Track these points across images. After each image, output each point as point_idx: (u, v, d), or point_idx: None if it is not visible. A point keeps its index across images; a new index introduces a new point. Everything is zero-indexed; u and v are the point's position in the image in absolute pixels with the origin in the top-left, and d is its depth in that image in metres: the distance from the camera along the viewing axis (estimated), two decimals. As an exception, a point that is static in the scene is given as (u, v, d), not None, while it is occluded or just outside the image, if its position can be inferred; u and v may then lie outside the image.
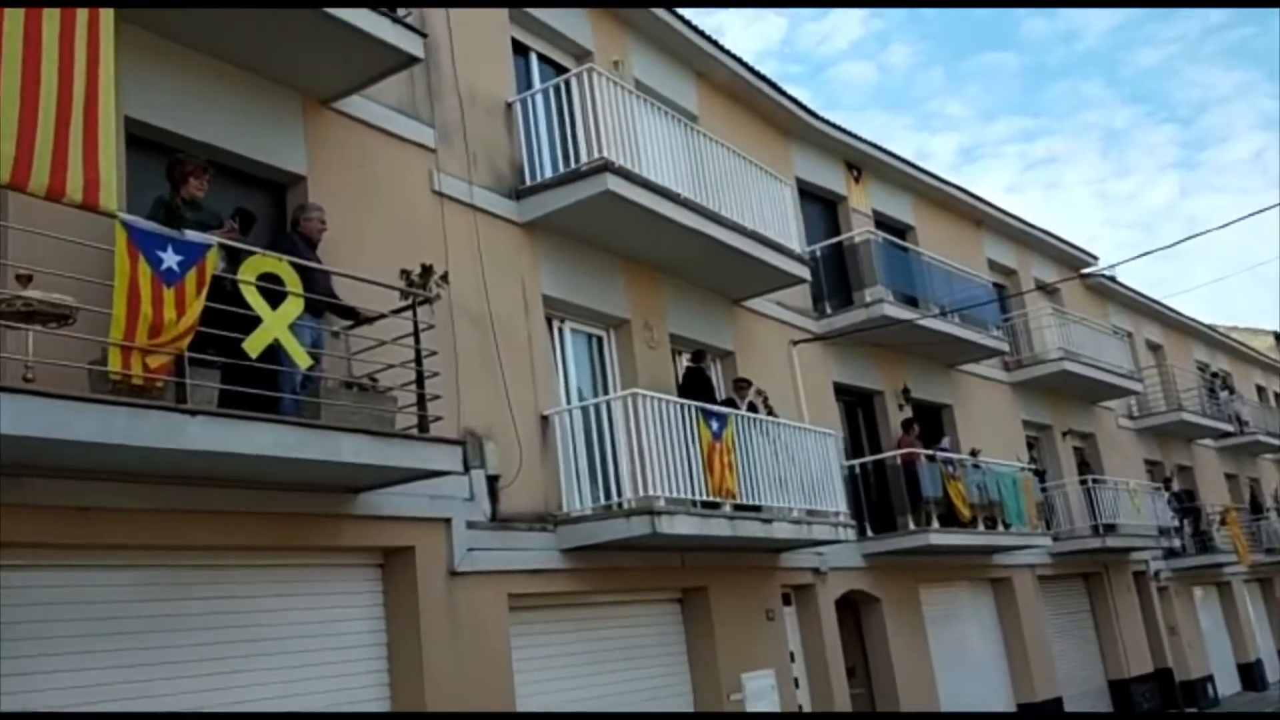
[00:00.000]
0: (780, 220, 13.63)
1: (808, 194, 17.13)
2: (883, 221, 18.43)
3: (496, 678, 9.10)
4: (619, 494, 10.09)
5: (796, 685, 13.46)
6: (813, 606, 13.91)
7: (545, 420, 10.36)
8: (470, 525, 9.14)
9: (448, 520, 8.95)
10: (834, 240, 16.35)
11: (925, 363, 18.12)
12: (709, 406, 10.92)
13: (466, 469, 9.25)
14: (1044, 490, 19.92)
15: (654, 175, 11.30)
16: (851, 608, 15.35)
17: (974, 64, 72.25)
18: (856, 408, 17.00)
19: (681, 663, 11.92)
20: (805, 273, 13.74)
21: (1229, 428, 28.73)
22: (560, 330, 11.46)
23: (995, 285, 22.06)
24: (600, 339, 12.01)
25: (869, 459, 15.46)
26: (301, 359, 6.72)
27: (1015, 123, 72.02)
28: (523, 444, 9.91)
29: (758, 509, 11.68)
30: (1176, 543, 23.32)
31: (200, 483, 6.93)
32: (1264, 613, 30.19)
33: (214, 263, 6.28)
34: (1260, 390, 35.67)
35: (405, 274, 7.93)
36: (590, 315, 11.73)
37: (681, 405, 10.63)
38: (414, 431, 7.61)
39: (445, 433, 8.05)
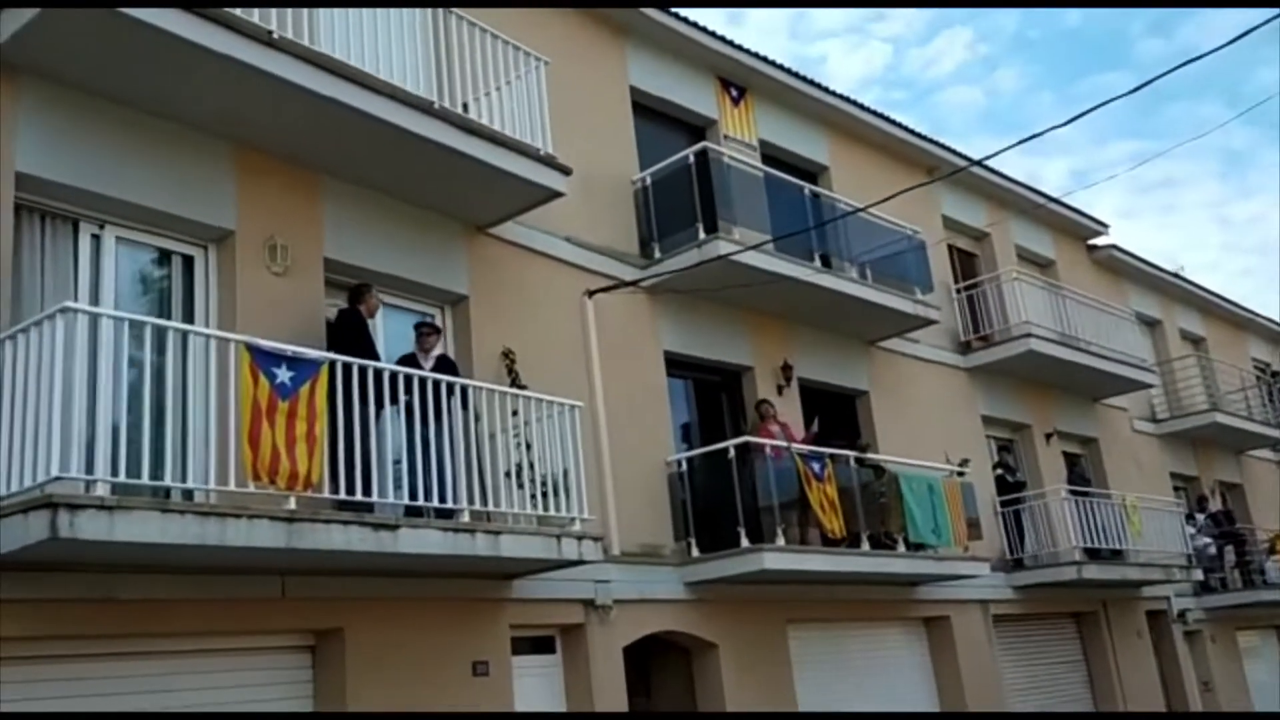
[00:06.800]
0: (532, 116, 9.72)
1: (658, 115, 13.11)
2: (778, 157, 14.27)
3: None
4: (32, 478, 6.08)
5: (546, 771, 9.38)
6: (581, 657, 9.78)
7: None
8: None
9: None
10: (669, 161, 12.09)
11: (830, 336, 13.90)
12: (265, 344, 6.88)
13: None
14: (1016, 503, 15.46)
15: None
16: (684, 656, 11.21)
17: (1085, 86, 68.11)
18: (719, 391, 12.84)
19: (301, 746, 7.93)
20: (559, 184, 9.68)
21: (1290, 437, 23.58)
22: (96, 238, 7.62)
23: (958, 251, 17.65)
24: (190, 260, 8.16)
25: (696, 451, 11.28)
26: None
27: (1128, 145, 67.72)
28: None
29: (446, 511, 7.76)
30: (1200, 575, 18.39)
31: None
32: (1340, 664, 24.68)
33: None
34: (1344, 399, 30.09)
35: None
36: (161, 221, 7.86)
37: (200, 339, 6.68)
38: None
39: None
